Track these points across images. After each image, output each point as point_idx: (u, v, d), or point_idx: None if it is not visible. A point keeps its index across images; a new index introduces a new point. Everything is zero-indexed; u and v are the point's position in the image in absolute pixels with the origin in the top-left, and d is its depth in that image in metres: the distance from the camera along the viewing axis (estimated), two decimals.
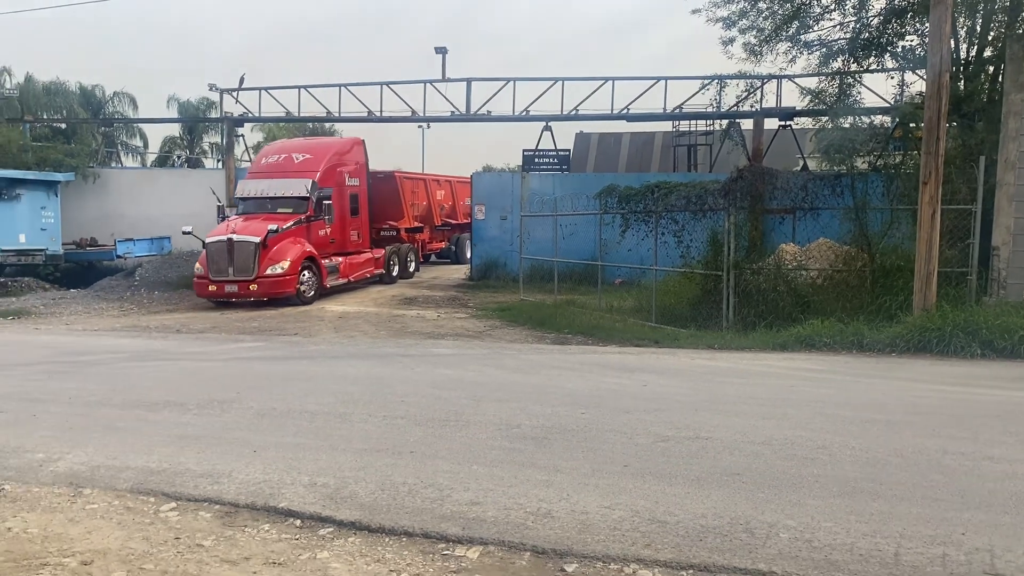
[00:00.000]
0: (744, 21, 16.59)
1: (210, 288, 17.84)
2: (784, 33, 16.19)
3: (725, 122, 23.71)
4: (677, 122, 26.58)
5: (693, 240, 14.16)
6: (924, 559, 4.23)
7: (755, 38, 16.60)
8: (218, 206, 20.22)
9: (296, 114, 26.52)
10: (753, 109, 22.53)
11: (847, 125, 16.04)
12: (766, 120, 23.29)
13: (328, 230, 19.60)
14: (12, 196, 22.23)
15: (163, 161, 44.82)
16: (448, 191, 28.81)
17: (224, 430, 6.90)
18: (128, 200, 28.94)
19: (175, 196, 27.56)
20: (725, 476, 5.54)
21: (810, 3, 15.88)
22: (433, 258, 29.39)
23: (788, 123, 22.98)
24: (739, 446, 6.26)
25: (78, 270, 24.21)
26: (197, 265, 18.42)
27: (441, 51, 24.82)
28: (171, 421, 7.25)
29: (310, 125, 41.92)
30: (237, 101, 27.07)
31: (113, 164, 38.41)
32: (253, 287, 17.55)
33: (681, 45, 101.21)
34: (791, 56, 16.95)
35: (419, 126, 46.48)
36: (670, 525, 4.70)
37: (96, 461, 6.06)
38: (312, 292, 18.45)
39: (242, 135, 28.54)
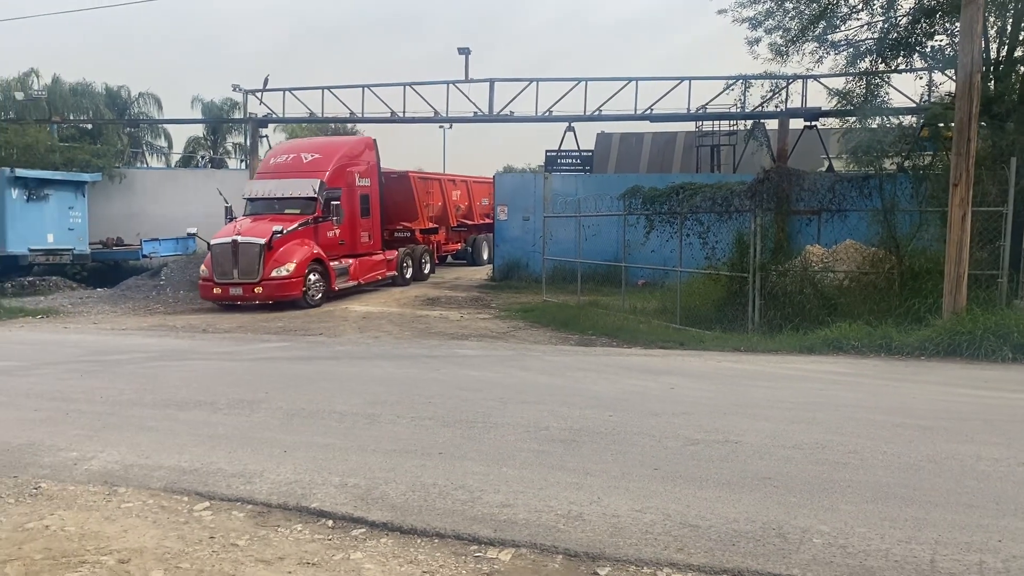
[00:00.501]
0: (770, 21, 16.45)
1: (215, 291, 17.53)
2: (811, 33, 16.03)
3: (749, 122, 23.57)
4: (700, 122, 26.45)
5: (718, 241, 14.08)
6: (961, 566, 4.19)
7: (781, 38, 16.44)
8: (225, 207, 19.91)
9: (320, 115, 26.64)
10: (778, 109, 22.39)
11: (875, 126, 15.86)
12: (791, 120, 23.13)
13: (337, 231, 19.16)
14: (40, 196, 22.48)
15: (187, 161, 45.25)
16: (464, 191, 28.32)
17: (254, 430, 6.96)
18: (153, 200, 29.24)
19: (199, 196, 27.72)
20: (756, 480, 5.52)
21: (837, 3, 15.71)
22: (450, 259, 29.15)
23: (814, 123, 22.81)
24: (769, 450, 6.23)
25: (104, 269, 24.46)
26: (202, 267, 18.15)
27: (464, 52, 24.85)
28: (201, 420, 7.32)
29: (332, 126, 42.13)
30: (261, 102, 27.25)
31: (138, 164, 38.83)
32: (258, 290, 17.16)
33: (705, 45, 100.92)
34: (818, 56, 16.79)
35: (441, 127, 46.75)
36: (702, 529, 4.68)
37: (129, 460, 6.13)
38: (319, 295, 18.08)
39: (266, 136, 28.71)
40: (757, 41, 17.03)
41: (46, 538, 4.69)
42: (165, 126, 42.05)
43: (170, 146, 44.85)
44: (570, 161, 25.53)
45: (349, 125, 41.56)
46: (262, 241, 17.25)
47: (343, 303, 18.36)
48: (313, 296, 17.89)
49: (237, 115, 36.92)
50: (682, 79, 23.54)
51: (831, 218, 14.13)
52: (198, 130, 46.12)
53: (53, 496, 5.39)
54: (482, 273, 25.48)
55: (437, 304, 18.30)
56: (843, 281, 13.32)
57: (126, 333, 14.21)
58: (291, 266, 17.36)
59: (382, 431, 6.88)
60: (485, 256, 29.16)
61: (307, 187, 18.65)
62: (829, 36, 16.30)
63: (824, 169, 21.11)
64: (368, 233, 20.72)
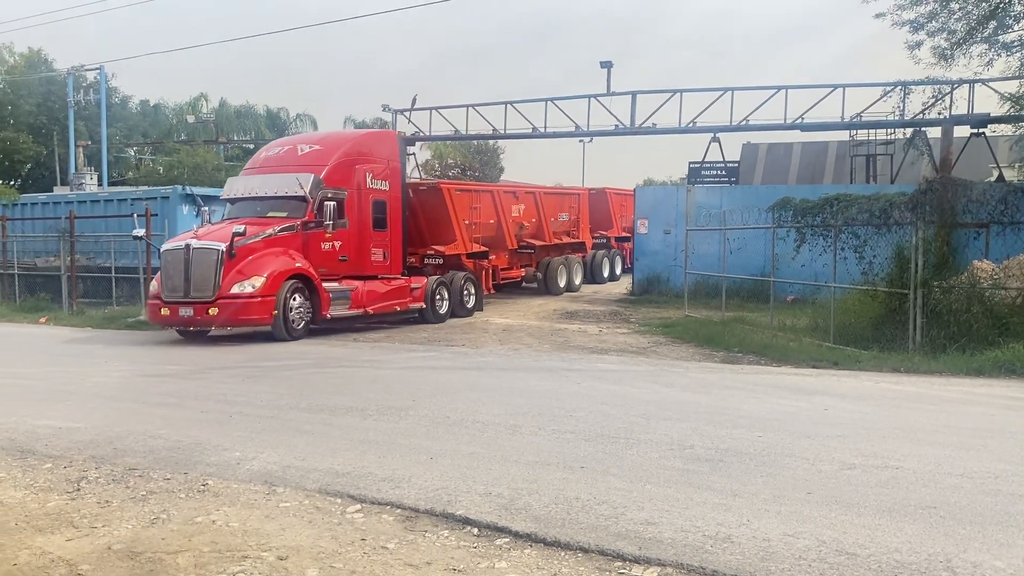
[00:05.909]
0: (933, 23, 15.59)
1: (162, 312, 14.02)
2: (979, 34, 15.07)
3: (908, 130, 22.27)
4: (855, 131, 25.23)
5: (876, 256, 13.39)
6: None
7: (946, 41, 15.55)
8: (201, 208, 16.63)
9: (464, 131, 27.25)
10: (941, 116, 21.01)
11: None
12: (955, 128, 21.66)
13: (336, 243, 15.20)
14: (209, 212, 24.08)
15: None
16: (531, 205, 23.29)
17: (402, 436, 7.16)
18: None
19: None
20: (919, 509, 5.17)
21: (1011, 1, 14.68)
22: (524, 284, 24.42)
23: (982, 130, 21.26)
24: (934, 477, 5.83)
25: None
26: (152, 282, 14.71)
27: (606, 65, 24.68)
28: (353, 426, 7.60)
29: (474, 143, 43.16)
30: (410, 121, 28.13)
31: None
32: (212, 311, 13.55)
33: (859, 51, 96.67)
34: (987, 59, 15.79)
35: (581, 140, 46.91)
36: (860, 558, 4.42)
37: (286, 461, 6.43)
38: (302, 324, 14.34)
39: (413, 154, 29.63)
40: (919, 45, 16.23)
41: (212, 532, 4.99)
42: None
43: None
44: (714, 173, 24.98)
45: (491, 141, 42.51)
46: (221, 247, 13.68)
47: (484, 315, 18.65)
48: (294, 324, 14.19)
49: None
50: (835, 86, 22.46)
51: (1002, 231, 13.20)
52: None
53: (219, 493, 5.73)
54: (622, 287, 25.23)
55: (575, 318, 18.29)
56: (1016, 299, 12.34)
57: (283, 341, 14.95)
58: (258, 281, 13.67)
59: (524, 442, 6.92)
60: (562, 283, 24.09)
61: (294, 184, 14.83)
62: (1000, 37, 15.28)
63: (994, 179, 19.66)
64: (384, 251, 16.52)
